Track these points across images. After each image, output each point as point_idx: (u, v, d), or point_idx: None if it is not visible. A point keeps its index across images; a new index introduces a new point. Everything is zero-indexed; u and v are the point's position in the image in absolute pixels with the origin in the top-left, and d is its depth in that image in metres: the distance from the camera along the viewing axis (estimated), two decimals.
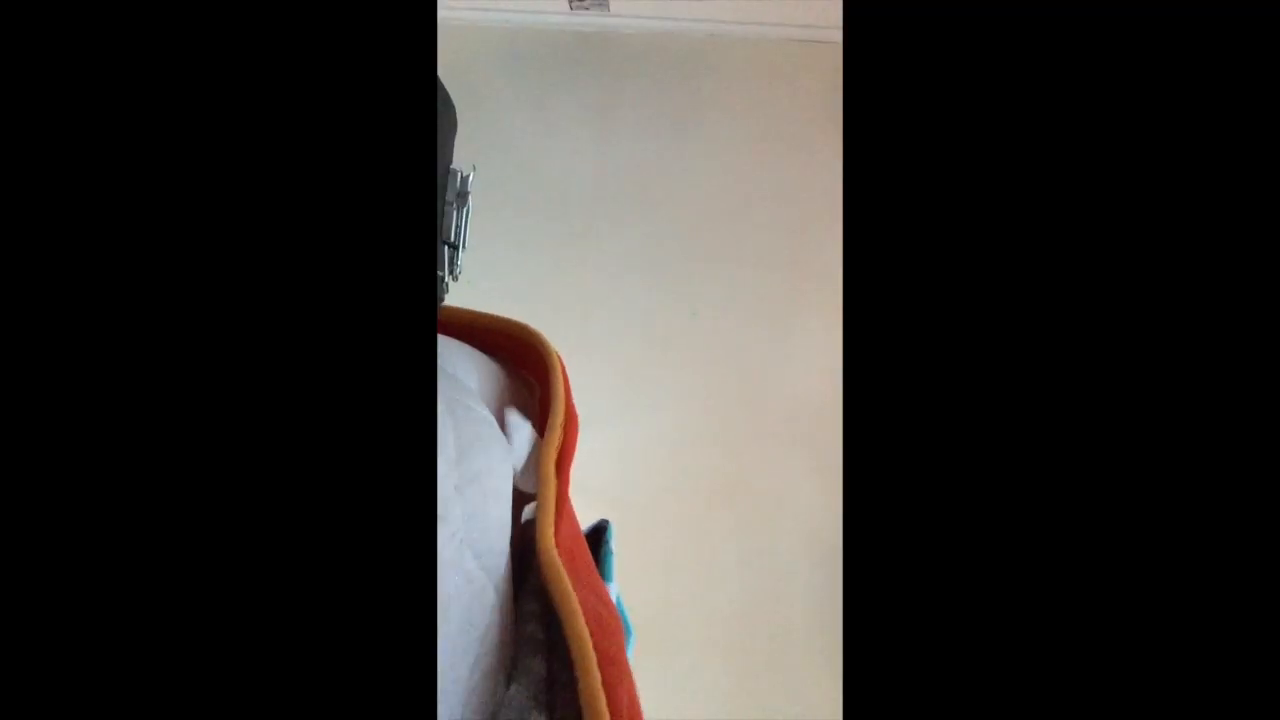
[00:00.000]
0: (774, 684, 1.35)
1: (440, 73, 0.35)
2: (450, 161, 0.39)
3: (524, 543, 0.35)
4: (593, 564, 0.41)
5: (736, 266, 1.45)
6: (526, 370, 0.44)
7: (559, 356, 0.42)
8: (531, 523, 0.35)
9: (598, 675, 0.29)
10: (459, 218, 0.40)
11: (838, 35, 1.47)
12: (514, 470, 0.36)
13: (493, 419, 0.36)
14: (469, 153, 0.41)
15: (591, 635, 0.30)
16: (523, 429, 0.38)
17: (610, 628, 0.33)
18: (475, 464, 0.33)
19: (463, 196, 0.40)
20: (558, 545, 0.33)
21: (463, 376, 0.38)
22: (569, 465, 0.39)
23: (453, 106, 0.38)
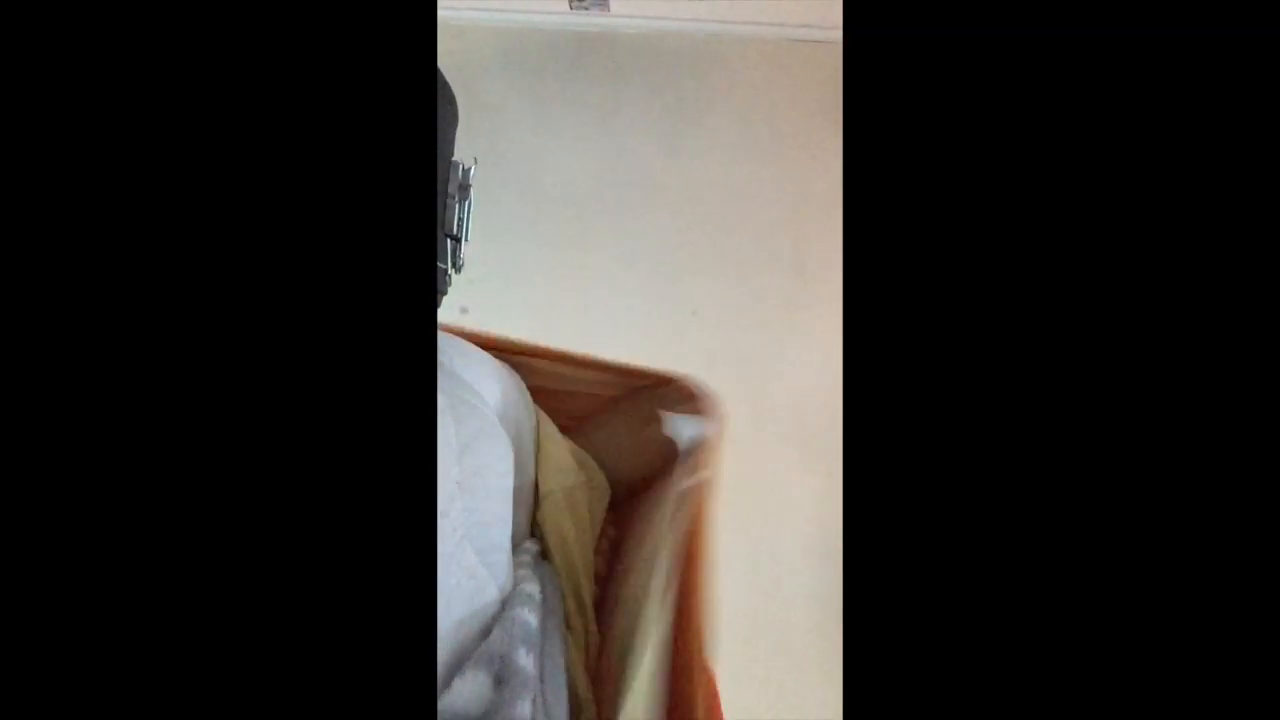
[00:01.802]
0: (774, 684, 1.35)
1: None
2: (452, 153, 0.39)
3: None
4: None
5: (736, 266, 1.45)
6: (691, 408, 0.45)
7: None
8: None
9: None
10: (461, 210, 0.39)
11: (838, 35, 1.48)
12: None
13: (495, 417, 0.36)
14: (469, 153, 0.41)
15: None
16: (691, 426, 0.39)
17: None
18: (477, 460, 0.33)
19: (464, 189, 0.39)
20: None
21: (468, 376, 0.38)
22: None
23: (453, 98, 0.38)
